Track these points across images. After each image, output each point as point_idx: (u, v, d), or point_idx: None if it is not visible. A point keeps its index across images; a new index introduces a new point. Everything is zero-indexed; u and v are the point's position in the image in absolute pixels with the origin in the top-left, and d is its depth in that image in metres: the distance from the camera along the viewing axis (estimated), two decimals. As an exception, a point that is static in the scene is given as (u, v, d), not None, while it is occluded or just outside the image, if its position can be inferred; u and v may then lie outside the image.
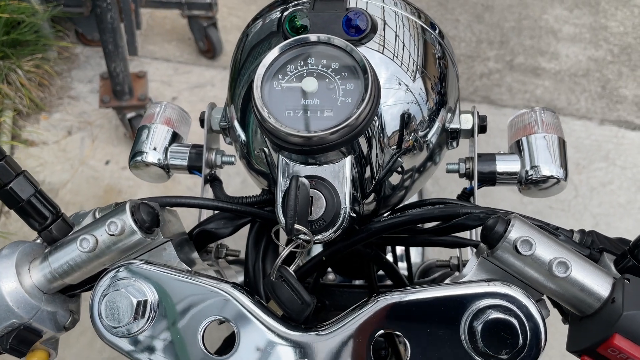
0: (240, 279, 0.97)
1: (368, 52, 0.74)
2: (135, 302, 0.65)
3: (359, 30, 0.73)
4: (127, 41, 2.55)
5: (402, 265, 1.24)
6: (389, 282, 1.04)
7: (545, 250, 0.60)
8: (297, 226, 0.60)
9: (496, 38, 3.26)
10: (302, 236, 0.63)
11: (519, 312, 0.58)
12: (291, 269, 0.65)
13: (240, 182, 2.62)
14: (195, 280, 0.67)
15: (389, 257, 1.11)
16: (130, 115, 2.65)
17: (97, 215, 0.82)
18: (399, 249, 1.31)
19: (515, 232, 0.60)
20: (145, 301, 0.66)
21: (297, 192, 0.60)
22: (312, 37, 0.66)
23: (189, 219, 0.90)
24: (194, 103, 2.95)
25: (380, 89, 0.65)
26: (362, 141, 0.68)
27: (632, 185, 2.72)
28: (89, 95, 3.00)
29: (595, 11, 3.38)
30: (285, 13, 0.79)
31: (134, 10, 2.61)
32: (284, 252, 0.63)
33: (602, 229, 2.62)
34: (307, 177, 0.66)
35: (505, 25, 3.32)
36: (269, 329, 0.63)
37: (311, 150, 0.63)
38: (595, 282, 0.60)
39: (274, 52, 0.66)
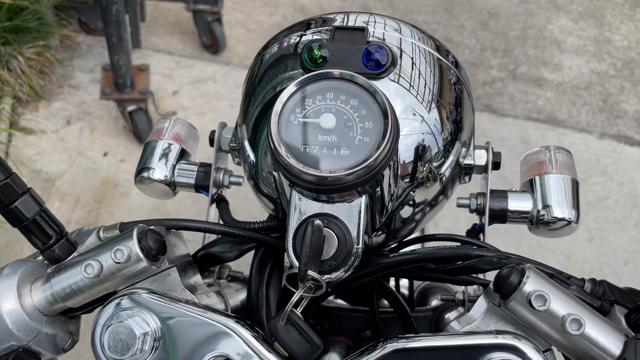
0: (240, 297, 0.96)
1: (384, 82, 0.74)
2: (138, 334, 0.64)
3: (379, 64, 0.72)
4: (130, 33, 2.53)
5: (402, 282, 1.24)
6: (388, 307, 1.04)
7: (559, 305, 0.60)
8: (310, 272, 0.60)
9: (500, 46, 3.26)
10: (314, 279, 0.62)
11: None
12: (298, 310, 0.64)
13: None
14: (199, 313, 0.66)
15: (392, 280, 1.11)
16: (130, 108, 2.63)
17: (102, 235, 0.81)
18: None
19: (530, 285, 0.60)
20: (148, 332, 0.65)
21: (312, 237, 0.60)
22: (335, 72, 0.65)
23: (192, 234, 0.89)
24: (194, 98, 2.94)
25: (399, 129, 0.65)
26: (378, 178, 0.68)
27: (629, 201, 2.73)
28: (90, 85, 2.97)
29: (600, 24, 3.38)
30: (304, 39, 0.78)
31: (139, 3, 2.58)
32: (295, 297, 0.62)
33: (597, 243, 2.64)
34: (319, 215, 0.65)
35: (510, 34, 3.31)
36: None
37: (326, 190, 0.62)
38: (607, 340, 0.60)
39: (292, 87, 0.65)
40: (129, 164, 2.72)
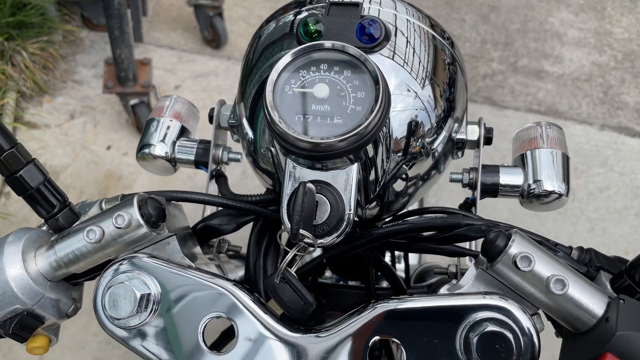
0: (240, 273, 0.98)
1: (379, 58, 0.75)
2: (138, 295, 0.66)
3: (372, 38, 0.74)
4: (132, 28, 2.55)
5: (399, 267, 1.26)
6: (385, 284, 1.05)
7: (544, 266, 0.61)
8: (302, 231, 0.62)
9: (501, 39, 3.27)
10: (306, 240, 0.64)
11: (514, 326, 0.60)
12: (292, 270, 0.66)
13: (240, 173, 2.63)
14: (198, 276, 0.68)
15: (387, 258, 1.13)
16: (133, 101, 2.66)
17: (104, 206, 0.83)
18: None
19: (516, 247, 0.62)
20: (149, 294, 0.67)
21: (304, 198, 0.62)
22: (327, 44, 0.67)
23: (192, 210, 0.91)
24: (196, 92, 2.96)
25: (391, 98, 0.67)
26: (369, 147, 0.69)
27: (629, 192, 2.74)
28: (93, 80, 3.00)
29: (600, 16, 3.38)
30: (300, 17, 0.80)
31: (141, -3, 2.61)
32: (288, 256, 0.64)
33: (598, 234, 2.65)
34: (313, 181, 0.67)
35: (511, 27, 3.32)
36: (268, 328, 0.65)
37: (319, 156, 0.64)
38: (591, 300, 0.61)
39: (287, 57, 0.67)
40: (132, 157, 2.74)
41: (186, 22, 3.23)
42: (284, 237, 0.70)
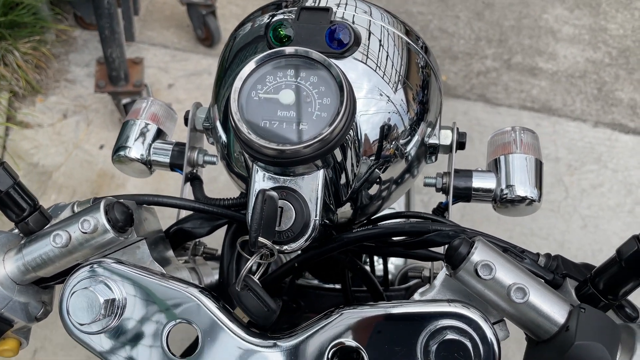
0: (216, 276, 0.98)
1: (351, 62, 0.75)
2: (102, 300, 0.66)
3: (341, 43, 0.73)
4: (124, 27, 2.55)
5: (380, 268, 1.26)
6: (363, 287, 1.05)
7: (505, 275, 0.61)
8: (260, 239, 0.62)
9: (495, 36, 3.26)
10: (266, 247, 0.64)
11: (474, 334, 0.60)
12: (256, 277, 0.66)
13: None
14: (163, 282, 0.68)
15: (369, 261, 1.13)
16: (125, 101, 2.66)
17: (76, 209, 0.83)
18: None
19: (478, 255, 0.62)
20: (113, 300, 0.67)
21: (262, 206, 0.61)
22: (289, 50, 0.67)
23: (170, 212, 0.91)
24: (190, 91, 2.96)
25: (356, 104, 0.66)
26: (338, 152, 0.69)
27: (622, 189, 2.74)
28: (86, 79, 3.00)
29: (595, 12, 3.37)
30: (271, 21, 0.80)
31: (132, -4, 2.60)
32: (248, 264, 0.64)
33: (591, 231, 2.65)
34: (278, 188, 0.67)
35: (505, 24, 3.31)
36: (230, 335, 0.65)
37: (284, 162, 0.64)
38: (552, 309, 0.61)
39: (251, 64, 0.67)
40: (124, 156, 2.74)
41: (179, 20, 3.23)
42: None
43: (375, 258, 1.19)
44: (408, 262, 1.41)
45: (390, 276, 1.29)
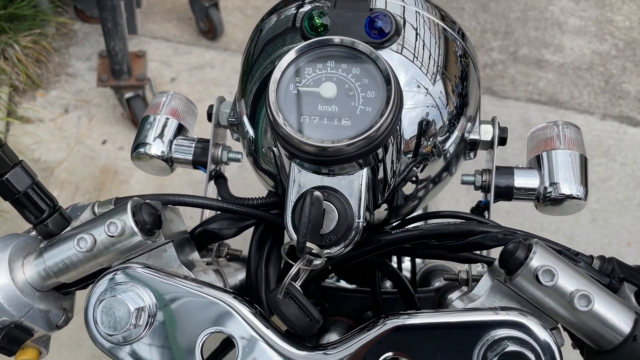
0: (239, 277, 0.95)
1: (388, 53, 0.72)
2: (132, 309, 0.62)
3: (382, 33, 0.69)
4: (126, 19, 2.50)
5: (404, 265, 1.22)
6: (389, 284, 1.02)
7: (568, 281, 0.58)
8: (308, 244, 0.58)
9: (501, 28, 3.22)
10: (312, 252, 0.60)
11: (535, 345, 0.56)
12: (297, 284, 0.62)
13: (238, 167, 2.59)
14: (195, 288, 0.64)
15: (396, 260, 1.09)
16: (128, 95, 2.61)
17: (96, 210, 0.79)
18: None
19: (537, 260, 0.58)
20: (143, 307, 0.63)
21: (311, 208, 0.58)
22: (336, 39, 0.63)
23: (189, 210, 0.87)
24: (193, 84, 2.91)
25: (403, 99, 0.63)
26: (380, 150, 0.65)
27: (631, 182, 2.72)
28: (87, 73, 2.95)
29: (601, 4, 3.34)
30: (304, 9, 0.76)
31: (134, -12, 2.55)
32: (293, 270, 0.60)
33: (600, 225, 2.62)
34: (319, 187, 0.63)
35: (511, 16, 3.27)
36: (271, 346, 0.61)
37: (326, 160, 0.60)
38: (617, 317, 0.58)
39: (291, 54, 0.63)
40: (127, 151, 2.70)
41: (181, 13, 3.18)
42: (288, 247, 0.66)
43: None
44: (427, 260, 1.37)
45: (408, 274, 1.26)
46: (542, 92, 2.99)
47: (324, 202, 0.62)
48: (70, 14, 3.13)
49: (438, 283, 1.25)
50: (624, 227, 2.60)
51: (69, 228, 0.73)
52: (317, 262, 0.61)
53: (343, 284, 1.08)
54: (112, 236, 0.65)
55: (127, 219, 0.65)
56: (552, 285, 0.57)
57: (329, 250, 0.63)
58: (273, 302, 0.61)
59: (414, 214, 0.85)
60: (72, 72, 2.96)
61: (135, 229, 0.65)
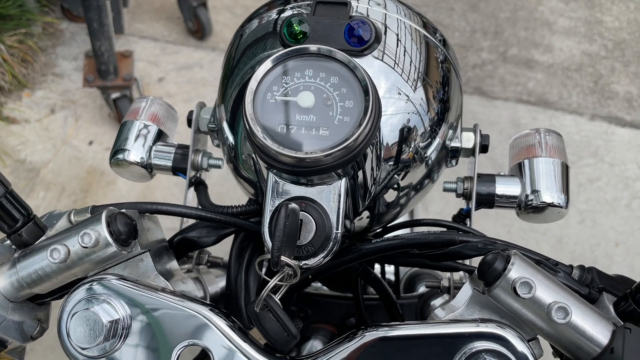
0: (220, 284, 0.93)
1: (368, 60, 0.70)
2: (105, 321, 0.60)
3: (361, 40, 0.68)
4: (112, 19, 2.48)
5: (389, 269, 1.21)
6: (373, 293, 1.00)
7: (545, 292, 0.57)
8: (283, 258, 0.57)
9: (490, 28, 3.22)
10: (289, 266, 0.59)
11: (512, 357, 0.56)
12: (277, 297, 0.61)
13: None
14: (171, 300, 0.63)
15: (380, 267, 1.08)
16: (114, 95, 2.59)
17: (72, 218, 0.77)
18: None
19: (515, 271, 0.57)
20: (117, 320, 0.61)
21: (286, 222, 0.56)
22: (312, 48, 0.61)
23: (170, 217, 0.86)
24: (181, 84, 2.89)
25: (381, 108, 0.61)
26: (359, 158, 0.64)
27: (619, 182, 2.72)
28: (74, 73, 2.92)
29: (591, 5, 3.34)
30: (284, 15, 0.75)
31: (121, -12, 2.53)
32: (269, 285, 0.59)
33: (588, 225, 2.62)
34: (297, 198, 0.62)
35: (500, 16, 3.27)
36: (248, 359, 0.60)
37: (303, 171, 0.59)
38: (595, 329, 0.57)
39: (268, 63, 0.62)
40: (115, 152, 2.68)
41: (169, 12, 3.16)
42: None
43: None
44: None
45: (393, 276, 1.25)
46: (531, 93, 2.99)
47: (302, 212, 0.61)
48: (57, 14, 3.10)
49: (422, 288, 1.24)
50: (612, 227, 2.61)
51: (43, 237, 0.71)
52: (294, 276, 0.60)
53: (327, 289, 1.07)
54: (86, 247, 0.63)
55: (101, 230, 0.64)
56: (530, 297, 0.57)
57: (306, 262, 0.61)
58: (252, 314, 0.60)
59: (397, 220, 0.84)
60: (59, 72, 2.93)
61: (110, 240, 0.64)
